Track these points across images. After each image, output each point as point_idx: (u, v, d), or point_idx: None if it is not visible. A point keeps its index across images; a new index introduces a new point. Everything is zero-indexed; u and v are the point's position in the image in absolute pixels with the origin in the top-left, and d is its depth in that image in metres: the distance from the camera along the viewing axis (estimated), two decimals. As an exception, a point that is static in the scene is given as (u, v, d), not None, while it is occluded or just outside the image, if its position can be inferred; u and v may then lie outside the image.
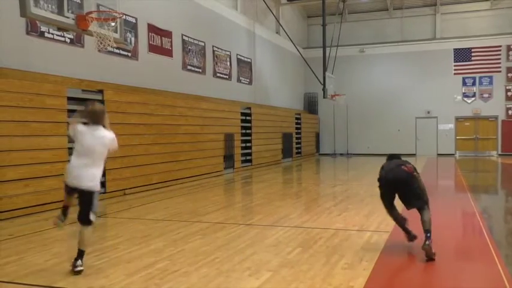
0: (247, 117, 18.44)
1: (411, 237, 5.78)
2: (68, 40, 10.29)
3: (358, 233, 6.69)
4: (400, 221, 5.83)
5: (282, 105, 23.71)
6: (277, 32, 23.73)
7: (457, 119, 25.79)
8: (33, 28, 9.35)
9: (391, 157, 6.01)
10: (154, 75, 13.40)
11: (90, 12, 6.95)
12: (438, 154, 25.82)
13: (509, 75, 24.84)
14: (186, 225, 7.35)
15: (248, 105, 18.95)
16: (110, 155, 5.23)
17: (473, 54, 25.26)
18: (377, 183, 5.75)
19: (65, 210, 5.15)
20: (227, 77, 18.18)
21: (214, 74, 17.14)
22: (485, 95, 25.27)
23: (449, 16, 25.90)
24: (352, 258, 5.30)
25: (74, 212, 5.05)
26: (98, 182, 5.03)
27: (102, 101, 10.52)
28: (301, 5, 26.88)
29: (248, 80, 20.16)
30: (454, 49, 25.45)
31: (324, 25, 19.87)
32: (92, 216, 4.94)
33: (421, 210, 5.46)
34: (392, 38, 26.66)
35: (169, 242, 6.21)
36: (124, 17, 9.88)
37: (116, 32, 7.33)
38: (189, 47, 15.41)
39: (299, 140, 24.53)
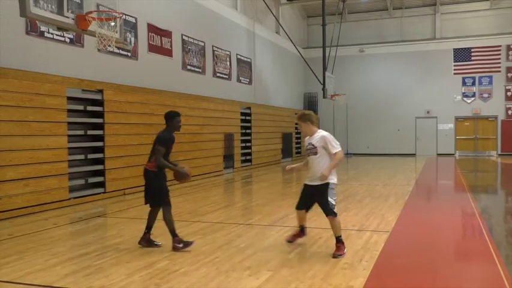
0: (247, 117, 18.45)
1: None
2: (68, 40, 10.28)
3: (358, 233, 6.69)
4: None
5: (281, 105, 23.70)
6: (277, 32, 23.73)
7: (457, 118, 25.79)
8: (33, 28, 9.34)
9: None
10: (154, 75, 13.39)
11: (90, 12, 6.95)
12: (438, 154, 25.82)
13: (509, 75, 24.84)
14: (186, 225, 7.36)
15: (248, 105, 18.95)
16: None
17: (472, 54, 25.26)
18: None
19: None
20: (227, 76, 18.18)
21: (214, 73, 17.14)
22: (485, 95, 25.26)
23: (449, 16, 25.91)
24: (352, 258, 5.30)
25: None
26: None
27: (102, 101, 10.54)
28: (301, 5, 26.87)
29: (248, 80, 20.15)
30: (453, 49, 25.45)
31: (323, 25, 19.86)
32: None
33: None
34: (392, 38, 26.67)
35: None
36: (124, 17, 9.89)
37: (116, 32, 7.32)
38: (189, 47, 15.40)
39: (299, 140, 24.52)
